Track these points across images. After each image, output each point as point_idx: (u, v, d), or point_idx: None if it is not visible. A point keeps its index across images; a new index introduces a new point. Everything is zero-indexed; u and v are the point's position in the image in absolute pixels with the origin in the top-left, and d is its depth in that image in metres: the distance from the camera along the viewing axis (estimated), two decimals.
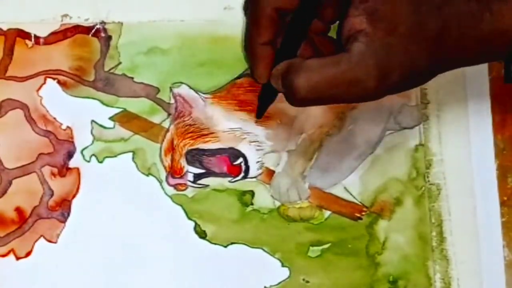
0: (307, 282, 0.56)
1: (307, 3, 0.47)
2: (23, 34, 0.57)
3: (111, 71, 0.57)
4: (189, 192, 0.56)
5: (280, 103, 0.57)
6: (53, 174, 0.56)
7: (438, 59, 0.46)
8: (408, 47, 0.44)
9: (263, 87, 0.51)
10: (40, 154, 0.56)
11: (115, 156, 0.56)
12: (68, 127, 0.56)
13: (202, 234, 0.56)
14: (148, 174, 0.56)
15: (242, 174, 0.57)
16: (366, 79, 0.44)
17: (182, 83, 0.57)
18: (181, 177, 0.56)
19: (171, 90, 0.57)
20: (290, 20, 0.48)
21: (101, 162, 0.56)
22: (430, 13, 0.45)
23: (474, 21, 0.45)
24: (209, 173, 0.57)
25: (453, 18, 0.45)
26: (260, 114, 0.53)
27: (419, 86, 0.48)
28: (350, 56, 0.44)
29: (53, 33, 0.57)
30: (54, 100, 0.56)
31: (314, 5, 0.47)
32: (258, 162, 0.57)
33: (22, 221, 0.55)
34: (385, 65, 0.44)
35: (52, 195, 0.55)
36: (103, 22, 0.57)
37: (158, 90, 0.57)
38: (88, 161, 0.56)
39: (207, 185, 0.57)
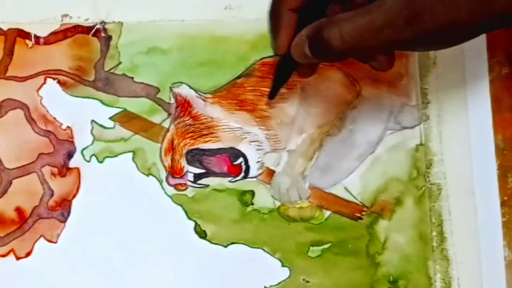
0: (307, 282, 0.56)
1: None
2: (23, 34, 0.57)
3: (111, 71, 0.57)
4: (189, 192, 0.56)
5: (281, 103, 0.57)
6: (53, 174, 0.56)
7: (482, 10, 0.44)
8: None
9: (281, 60, 0.50)
10: (40, 154, 0.56)
11: (115, 156, 0.56)
12: (68, 127, 0.56)
13: (202, 234, 0.56)
14: (148, 174, 0.56)
15: (242, 174, 0.57)
16: (397, 21, 0.44)
17: (182, 83, 0.57)
18: (181, 177, 0.56)
19: (171, 90, 0.57)
20: None
21: (101, 162, 0.56)
22: None
23: None
24: (209, 173, 0.57)
25: None
26: (274, 93, 0.53)
27: (460, 44, 0.46)
28: (381, 3, 0.44)
29: (53, 33, 0.57)
30: (54, 100, 0.56)
31: None
32: (258, 162, 0.57)
33: (22, 221, 0.55)
34: (417, 8, 0.43)
35: (52, 195, 0.55)
36: (103, 22, 0.57)
37: (158, 90, 0.57)
38: (88, 161, 0.56)
39: (207, 185, 0.57)
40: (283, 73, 0.51)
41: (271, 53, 0.57)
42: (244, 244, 0.56)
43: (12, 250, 0.55)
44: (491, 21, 0.45)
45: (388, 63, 0.48)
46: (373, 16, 0.44)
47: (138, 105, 0.57)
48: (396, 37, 0.44)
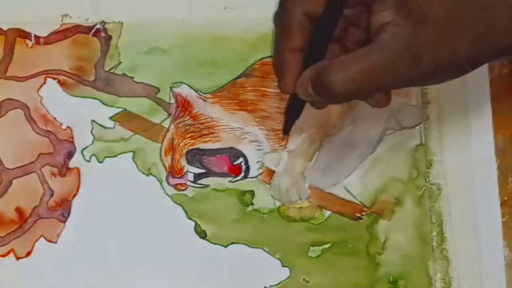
0: (307, 282, 0.56)
1: (333, 5, 0.46)
2: (23, 34, 0.57)
3: (111, 71, 0.57)
4: (189, 192, 0.56)
5: (280, 103, 0.57)
6: (53, 174, 0.56)
7: (482, 46, 0.44)
8: (442, 34, 0.43)
9: (290, 99, 0.51)
10: (40, 154, 0.56)
11: (115, 156, 0.56)
12: (68, 127, 0.56)
13: (202, 234, 0.56)
14: (148, 174, 0.56)
15: (242, 174, 0.57)
16: (397, 65, 0.44)
17: (182, 83, 0.57)
18: (181, 177, 0.56)
19: (171, 90, 0.57)
20: (317, 24, 0.47)
21: (101, 162, 0.56)
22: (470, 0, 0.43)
23: None
24: (209, 173, 0.57)
25: (499, 3, 0.43)
26: (288, 129, 0.53)
27: (461, 76, 0.46)
28: (379, 45, 0.44)
29: (53, 33, 0.57)
30: (54, 100, 0.56)
31: (340, 7, 0.47)
32: (258, 162, 0.57)
33: (22, 221, 0.55)
34: (415, 50, 0.43)
35: (52, 195, 0.55)
36: (103, 22, 0.57)
37: (158, 90, 0.57)
38: (88, 161, 0.56)
39: (207, 185, 0.57)
40: (294, 110, 0.51)
41: (271, 53, 0.57)
42: (244, 244, 0.56)
43: (12, 250, 0.55)
44: (491, 56, 0.45)
45: (386, 100, 0.48)
46: (373, 61, 0.44)
47: (138, 105, 0.57)
48: (396, 79, 0.44)
